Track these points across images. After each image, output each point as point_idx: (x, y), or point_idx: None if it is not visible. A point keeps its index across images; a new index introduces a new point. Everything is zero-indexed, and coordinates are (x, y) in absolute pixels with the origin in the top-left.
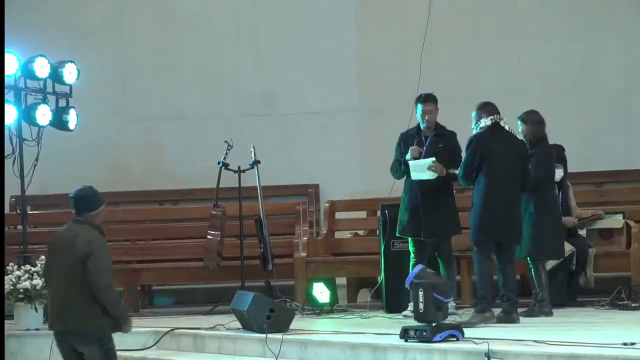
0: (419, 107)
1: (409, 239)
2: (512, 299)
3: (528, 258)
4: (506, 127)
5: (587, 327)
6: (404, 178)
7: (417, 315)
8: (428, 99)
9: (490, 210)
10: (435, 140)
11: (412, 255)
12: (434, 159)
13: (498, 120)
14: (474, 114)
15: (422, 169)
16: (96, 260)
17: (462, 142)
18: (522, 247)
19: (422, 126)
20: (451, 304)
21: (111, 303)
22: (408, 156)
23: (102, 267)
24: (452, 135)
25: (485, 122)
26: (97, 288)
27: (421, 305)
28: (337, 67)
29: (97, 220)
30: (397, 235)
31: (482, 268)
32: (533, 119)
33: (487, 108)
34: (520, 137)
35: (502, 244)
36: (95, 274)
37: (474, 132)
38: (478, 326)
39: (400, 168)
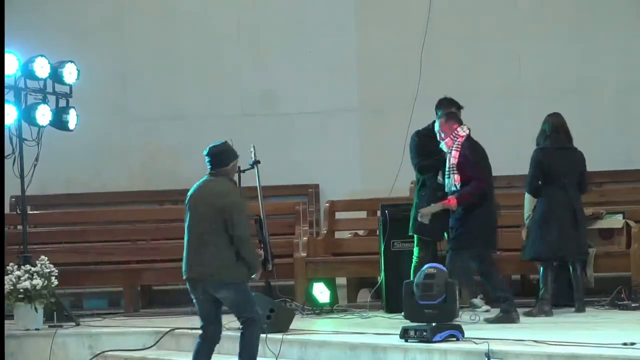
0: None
1: (415, 237)
2: (508, 297)
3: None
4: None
5: (587, 327)
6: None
7: (453, 314)
8: (462, 107)
9: (489, 216)
10: None
11: (416, 253)
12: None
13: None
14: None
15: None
16: (236, 212)
17: None
18: (525, 248)
19: None
20: (479, 300)
21: (248, 252)
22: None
23: (241, 219)
24: None
25: (464, 130)
26: (238, 239)
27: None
28: (337, 67)
29: (231, 174)
30: (410, 234)
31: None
32: (549, 121)
33: (456, 117)
34: None
35: (491, 248)
36: (236, 227)
37: (458, 140)
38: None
39: (438, 166)
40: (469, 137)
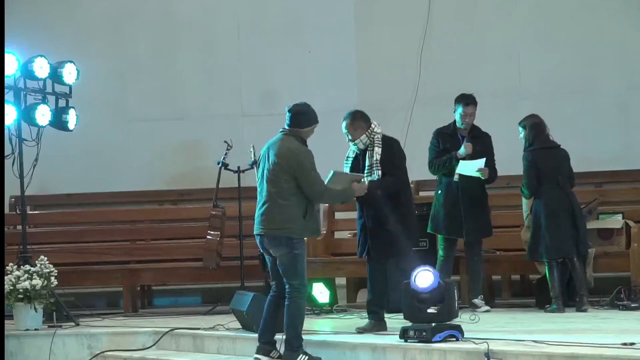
0: (460, 108)
1: (439, 236)
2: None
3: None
4: None
5: (587, 327)
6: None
7: (452, 314)
8: (470, 102)
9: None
10: (472, 141)
11: (440, 252)
12: (483, 160)
13: None
14: None
15: (471, 169)
16: (304, 172)
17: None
18: (530, 249)
19: (460, 126)
20: (480, 300)
21: (330, 201)
22: (462, 151)
23: (311, 177)
24: (487, 137)
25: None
26: (312, 197)
27: (456, 305)
28: (337, 67)
29: (304, 135)
30: (429, 232)
31: (373, 277)
32: (530, 122)
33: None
34: None
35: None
36: (308, 186)
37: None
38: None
39: (448, 164)
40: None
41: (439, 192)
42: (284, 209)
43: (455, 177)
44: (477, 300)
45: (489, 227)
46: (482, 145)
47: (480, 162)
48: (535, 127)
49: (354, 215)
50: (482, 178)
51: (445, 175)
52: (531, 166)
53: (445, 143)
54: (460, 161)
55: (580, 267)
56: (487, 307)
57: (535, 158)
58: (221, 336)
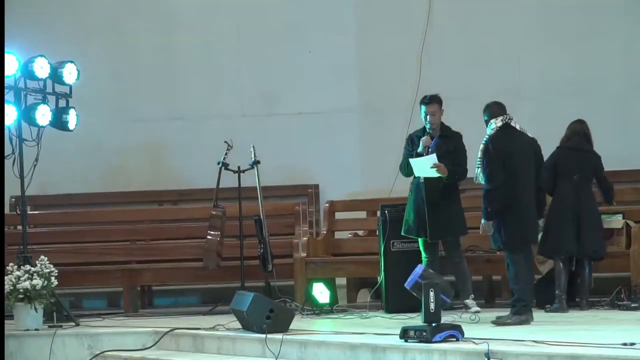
0: (422, 108)
1: (419, 240)
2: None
3: None
4: (517, 127)
5: (587, 327)
6: (412, 177)
7: (428, 316)
8: (431, 101)
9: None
10: (441, 142)
11: (423, 254)
12: (434, 155)
13: (508, 121)
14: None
15: (424, 167)
16: None
17: (467, 142)
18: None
19: (426, 127)
20: (471, 301)
21: None
22: (420, 148)
23: None
24: (457, 135)
25: (496, 123)
26: None
27: (432, 306)
28: (337, 67)
29: None
30: (403, 234)
31: (523, 271)
32: (569, 126)
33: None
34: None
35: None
36: None
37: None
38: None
39: (407, 164)
40: (501, 129)
41: (410, 193)
42: None
43: (422, 178)
44: (469, 301)
45: (457, 226)
46: (450, 143)
47: (431, 158)
48: (570, 130)
49: (354, 215)
50: (442, 177)
51: (416, 177)
52: (550, 161)
53: (415, 146)
54: (411, 160)
55: (589, 271)
56: (477, 308)
57: (555, 154)
58: (221, 336)
